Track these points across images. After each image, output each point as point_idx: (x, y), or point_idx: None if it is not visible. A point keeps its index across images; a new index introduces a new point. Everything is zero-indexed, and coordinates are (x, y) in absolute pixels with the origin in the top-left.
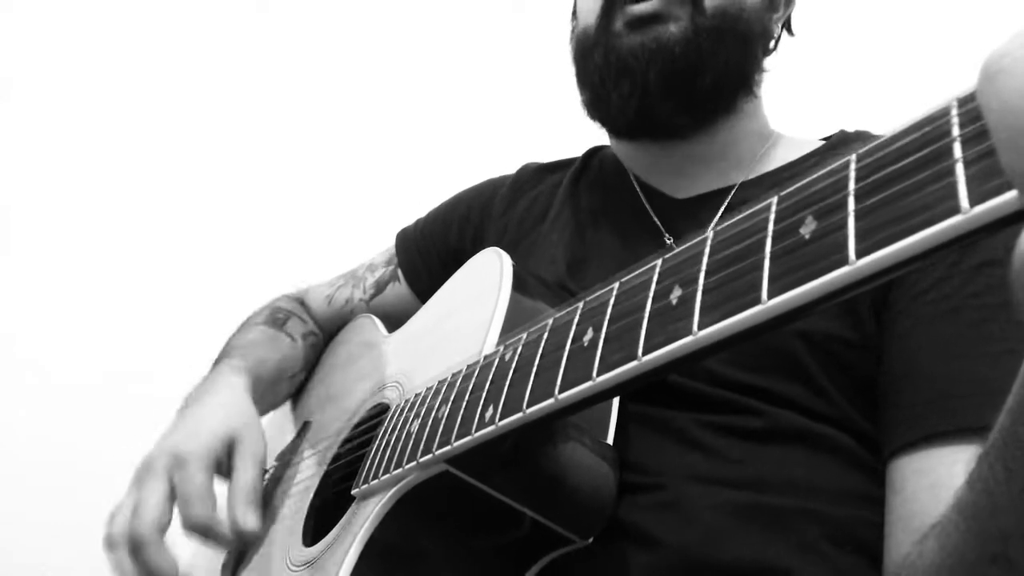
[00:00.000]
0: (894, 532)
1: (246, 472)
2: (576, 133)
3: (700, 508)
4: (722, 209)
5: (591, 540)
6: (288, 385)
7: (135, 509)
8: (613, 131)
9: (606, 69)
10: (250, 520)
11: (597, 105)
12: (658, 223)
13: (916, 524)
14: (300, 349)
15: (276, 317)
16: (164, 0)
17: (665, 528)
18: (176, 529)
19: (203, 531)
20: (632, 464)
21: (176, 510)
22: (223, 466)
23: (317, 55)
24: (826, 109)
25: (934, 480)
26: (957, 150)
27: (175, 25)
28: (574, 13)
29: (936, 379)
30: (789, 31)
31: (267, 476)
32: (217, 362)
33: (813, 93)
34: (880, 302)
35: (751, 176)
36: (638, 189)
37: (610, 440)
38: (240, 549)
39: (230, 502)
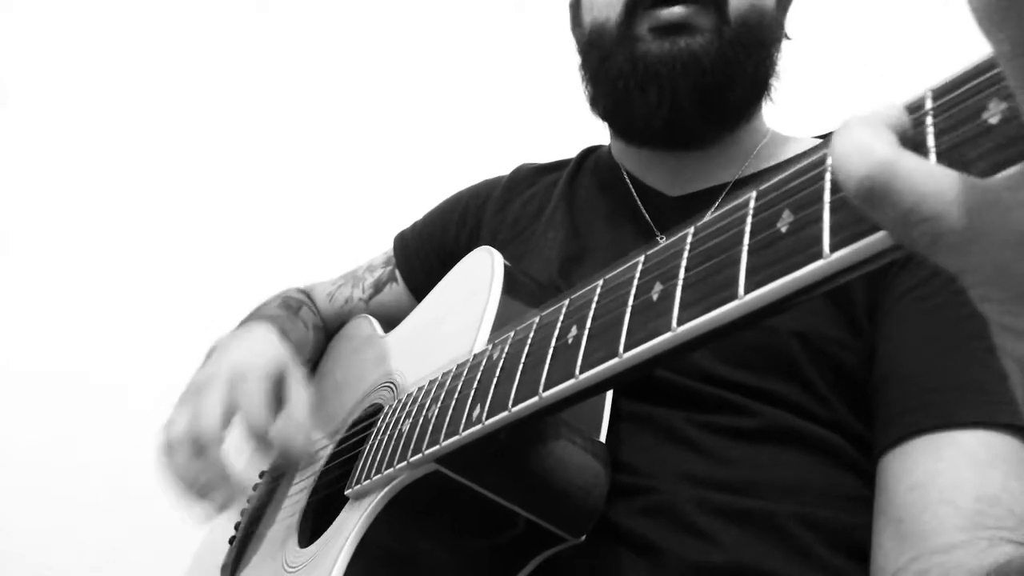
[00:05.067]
0: (882, 536)
1: (300, 396)
2: (575, 133)
3: (693, 512)
4: (715, 207)
5: (583, 538)
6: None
7: (196, 414)
8: (628, 136)
9: (632, 76)
10: (300, 439)
11: (616, 111)
12: (650, 222)
13: (904, 529)
14: (311, 339)
15: (289, 304)
16: (164, 0)
17: (659, 533)
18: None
19: (261, 441)
20: (624, 464)
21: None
22: (275, 391)
23: (317, 55)
24: (822, 108)
25: (917, 478)
26: (931, 140)
27: (174, 26)
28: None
29: (917, 376)
30: (785, 35)
31: (264, 476)
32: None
33: (808, 92)
34: (873, 302)
35: (746, 174)
36: (632, 188)
37: (602, 438)
38: (288, 469)
39: (285, 421)
